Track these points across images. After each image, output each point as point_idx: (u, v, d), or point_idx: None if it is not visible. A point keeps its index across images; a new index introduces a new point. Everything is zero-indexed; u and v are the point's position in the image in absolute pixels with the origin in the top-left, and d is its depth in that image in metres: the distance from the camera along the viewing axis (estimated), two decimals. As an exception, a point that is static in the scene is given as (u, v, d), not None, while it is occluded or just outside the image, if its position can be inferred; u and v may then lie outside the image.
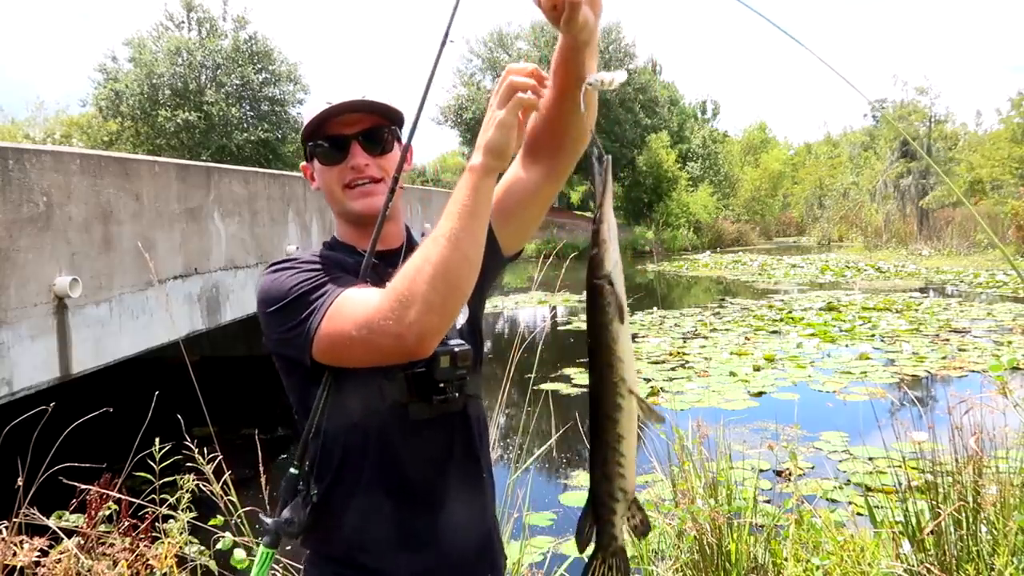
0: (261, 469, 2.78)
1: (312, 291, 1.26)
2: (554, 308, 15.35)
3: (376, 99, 1.41)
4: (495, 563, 1.49)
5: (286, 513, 1.30)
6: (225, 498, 2.60)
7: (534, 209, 1.47)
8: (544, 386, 8.18)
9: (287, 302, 1.27)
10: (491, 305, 15.61)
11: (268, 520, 1.30)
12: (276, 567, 2.76)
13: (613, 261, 1.04)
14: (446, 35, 1.35)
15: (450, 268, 1.13)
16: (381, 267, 1.36)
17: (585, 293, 1.05)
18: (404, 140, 1.42)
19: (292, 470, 1.32)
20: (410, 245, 1.47)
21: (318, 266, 1.32)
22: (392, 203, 1.38)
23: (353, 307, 1.21)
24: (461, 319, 1.43)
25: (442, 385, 1.32)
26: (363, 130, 1.40)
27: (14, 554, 2.21)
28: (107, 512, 2.46)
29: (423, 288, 1.13)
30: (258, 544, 1.34)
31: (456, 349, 1.33)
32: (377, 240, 1.34)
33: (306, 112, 1.45)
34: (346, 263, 1.37)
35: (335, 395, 1.29)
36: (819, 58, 1.33)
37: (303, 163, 1.51)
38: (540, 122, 1.37)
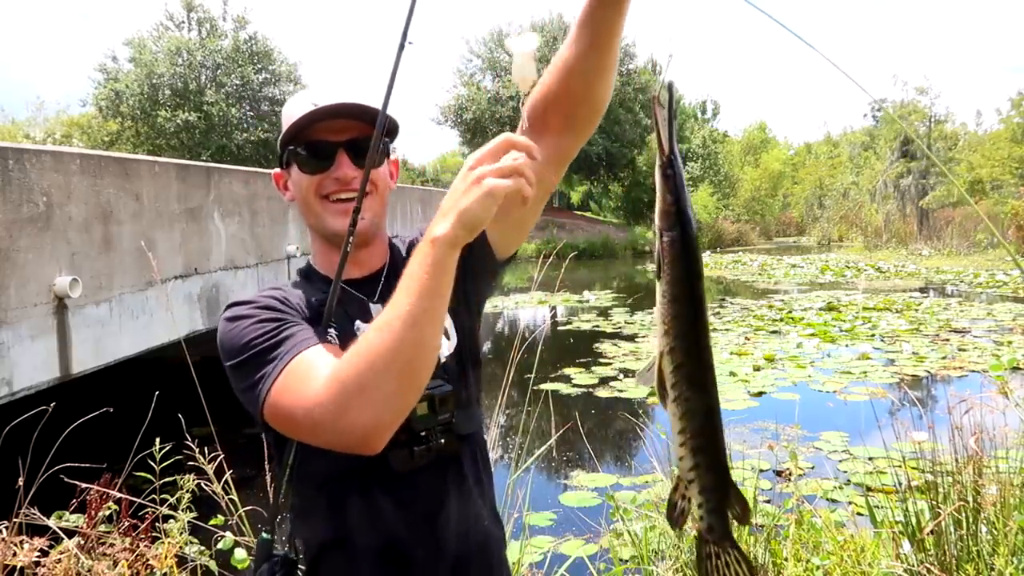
0: (266, 467, 2.78)
1: (266, 351, 1.10)
2: (554, 308, 15.36)
3: (368, 103, 1.22)
4: None
5: None
6: (226, 497, 2.60)
7: (533, 203, 1.17)
8: (544, 386, 8.19)
9: (240, 360, 1.12)
10: (491, 305, 15.62)
11: None
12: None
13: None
14: (404, 36, 1.21)
15: (407, 357, 0.96)
16: (354, 306, 1.23)
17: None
18: (370, 150, 1.19)
19: (264, 534, 1.20)
20: (394, 266, 1.30)
21: (278, 314, 1.16)
22: (375, 222, 1.25)
23: (299, 384, 1.05)
24: (445, 351, 1.25)
25: (423, 434, 1.17)
26: (352, 138, 1.22)
27: (14, 554, 2.21)
28: (107, 512, 2.46)
29: (372, 380, 0.97)
30: None
31: (435, 394, 1.18)
32: (340, 274, 1.17)
33: (286, 111, 1.27)
34: (312, 305, 1.21)
35: (304, 449, 1.16)
36: (827, 58, 1.33)
37: (276, 170, 1.32)
38: (552, 88, 1.16)
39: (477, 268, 1.25)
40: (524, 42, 1.02)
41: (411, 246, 1.32)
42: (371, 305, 1.26)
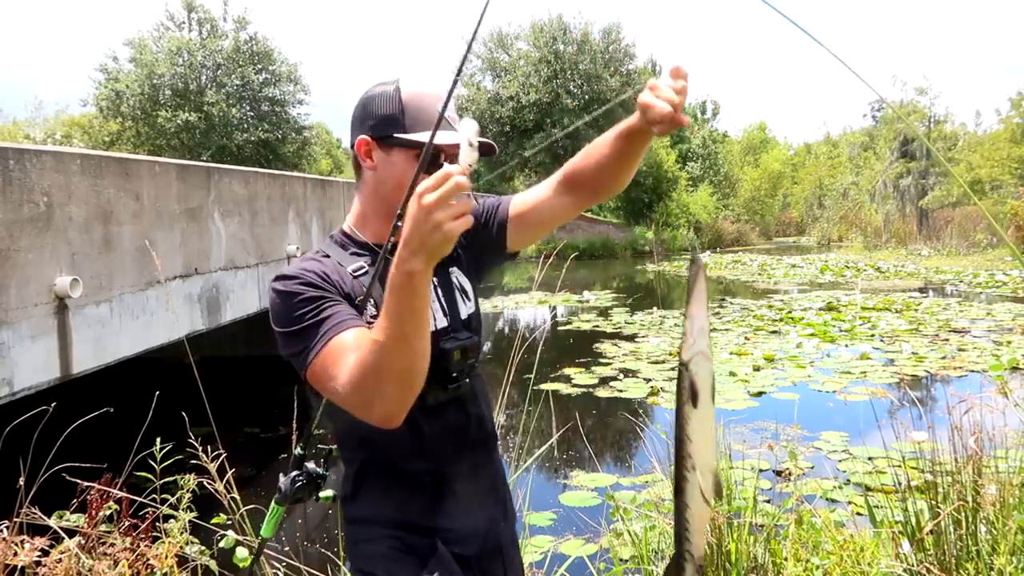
0: (276, 464, 2.78)
1: (310, 328, 1.30)
2: (554, 308, 15.36)
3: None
4: (508, 512, 1.66)
5: (280, 483, 1.48)
6: (228, 496, 2.60)
7: (550, 225, 1.61)
8: (544, 386, 8.19)
9: (289, 332, 1.32)
10: (491, 305, 15.62)
11: (281, 480, 1.48)
12: (278, 566, 2.76)
13: (693, 351, 1.10)
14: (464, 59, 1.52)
15: (404, 366, 1.18)
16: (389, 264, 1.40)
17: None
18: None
19: (297, 450, 1.51)
20: None
21: (320, 291, 1.34)
22: None
23: (333, 366, 1.26)
24: (467, 311, 1.54)
25: (455, 375, 1.45)
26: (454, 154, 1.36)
27: (15, 554, 2.21)
28: (108, 512, 2.47)
29: (380, 385, 1.19)
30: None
31: (467, 343, 1.47)
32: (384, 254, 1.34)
33: (413, 99, 1.40)
34: (352, 276, 1.40)
35: None
36: (837, 56, 1.33)
37: (364, 136, 1.42)
38: (589, 168, 1.52)
39: (489, 251, 1.60)
40: (466, 127, 1.19)
41: None
42: None
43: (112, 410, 2.89)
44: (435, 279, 1.48)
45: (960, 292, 16.13)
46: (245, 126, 31.70)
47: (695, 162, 41.92)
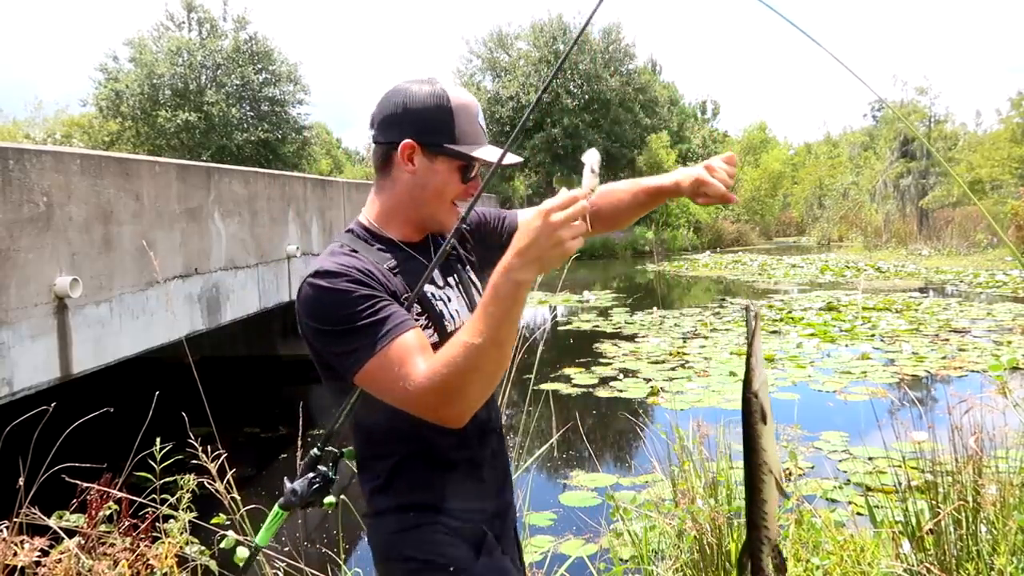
0: (276, 464, 2.78)
1: (366, 327, 1.29)
2: (554, 308, 15.36)
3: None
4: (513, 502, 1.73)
5: (295, 484, 1.41)
6: (228, 496, 2.60)
7: None
8: (544, 386, 8.19)
9: (339, 331, 1.30)
10: (491, 305, 15.53)
11: (287, 484, 1.42)
12: (278, 566, 2.76)
13: (760, 382, 1.39)
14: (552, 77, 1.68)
15: (493, 369, 1.23)
16: (417, 267, 1.44)
17: (741, 398, 1.40)
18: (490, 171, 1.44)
19: (315, 451, 1.44)
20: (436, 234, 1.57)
21: (370, 290, 1.32)
22: None
23: (398, 368, 1.26)
24: None
25: None
26: (484, 166, 1.46)
27: (15, 554, 2.21)
28: (108, 512, 2.46)
29: (468, 387, 1.23)
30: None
31: None
32: (429, 272, 1.40)
33: (460, 103, 1.43)
34: (389, 274, 1.41)
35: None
36: (836, 58, 1.34)
37: (408, 140, 1.41)
38: (602, 207, 1.69)
39: (498, 254, 1.61)
40: (590, 156, 1.26)
41: None
42: (435, 273, 1.49)
43: (112, 410, 2.89)
44: (455, 277, 1.56)
45: (960, 292, 16.13)
46: (245, 126, 31.68)
47: (695, 162, 41.66)
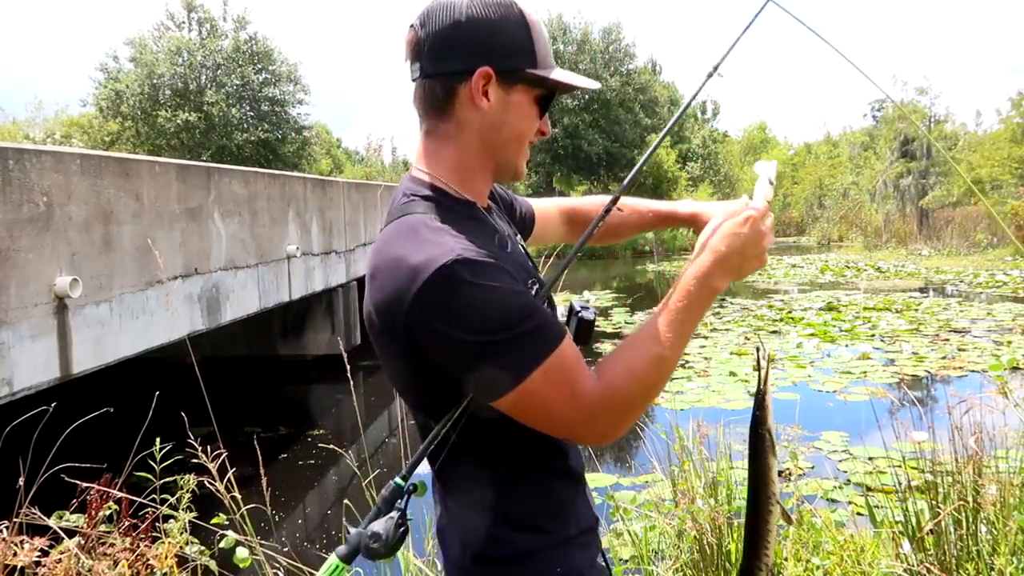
0: (276, 464, 2.79)
1: (528, 334, 1.01)
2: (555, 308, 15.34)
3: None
4: None
5: (376, 527, 1.06)
6: (229, 496, 2.60)
7: (539, 242, 1.62)
8: (544, 386, 8.16)
9: (495, 341, 0.99)
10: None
11: (352, 530, 1.08)
12: (278, 566, 2.76)
13: (771, 421, 1.38)
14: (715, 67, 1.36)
15: (666, 381, 1.09)
16: (494, 232, 1.18)
17: (749, 435, 1.38)
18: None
19: (397, 480, 1.10)
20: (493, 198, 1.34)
21: (517, 284, 1.04)
22: None
23: (569, 383, 1.03)
24: None
25: None
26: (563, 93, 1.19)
27: (15, 554, 2.21)
28: (107, 512, 2.46)
29: (645, 401, 1.06)
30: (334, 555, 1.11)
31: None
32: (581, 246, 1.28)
33: (533, 17, 1.12)
34: (506, 254, 1.15)
35: None
36: (846, 57, 1.33)
37: (486, 67, 1.08)
38: (614, 226, 1.48)
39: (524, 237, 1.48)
40: (766, 167, 1.21)
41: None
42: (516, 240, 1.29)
43: (112, 410, 2.89)
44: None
45: (960, 292, 16.12)
46: (245, 126, 31.69)
47: (695, 162, 41.90)
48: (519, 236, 1.34)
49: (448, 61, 1.08)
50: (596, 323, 1.26)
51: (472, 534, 1.14)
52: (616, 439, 1.07)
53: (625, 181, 1.27)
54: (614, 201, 1.25)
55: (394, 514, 1.07)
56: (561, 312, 1.27)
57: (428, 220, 1.06)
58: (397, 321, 1.02)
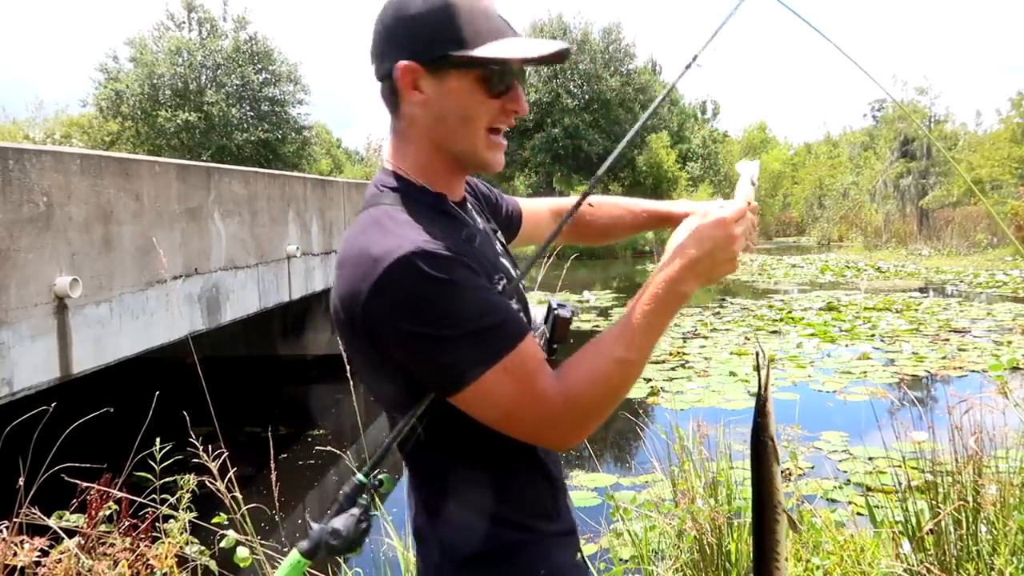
0: (276, 463, 2.78)
1: (486, 330, 0.99)
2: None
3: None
4: None
5: (336, 523, 1.05)
6: (229, 495, 2.60)
7: (528, 243, 1.56)
8: (544, 386, 8.16)
9: (448, 336, 0.98)
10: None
11: (314, 526, 1.07)
12: (278, 566, 2.76)
13: (773, 428, 1.36)
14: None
15: (631, 386, 1.06)
16: (464, 227, 1.16)
17: (751, 443, 1.35)
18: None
19: (359, 477, 1.08)
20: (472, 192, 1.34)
21: (478, 274, 1.03)
22: None
23: (528, 382, 1.01)
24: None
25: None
26: (519, 67, 1.10)
27: (15, 554, 2.21)
28: (107, 512, 2.46)
29: (607, 406, 1.04)
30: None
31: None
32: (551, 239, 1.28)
33: (467, 3, 1.06)
34: (467, 244, 1.12)
35: None
36: (849, 57, 1.33)
37: (405, 62, 1.06)
38: (600, 218, 1.53)
39: (505, 237, 1.41)
40: (748, 167, 1.21)
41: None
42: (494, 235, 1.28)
43: (112, 410, 2.89)
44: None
45: (960, 292, 16.13)
46: (245, 126, 31.70)
47: (695, 162, 41.91)
48: (499, 233, 1.32)
49: (384, 62, 1.10)
50: (573, 321, 1.26)
51: (449, 532, 1.13)
52: (578, 443, 1.06)
53: (592, 179, 1.24)
54: (583, 198, 1.26)
55: (356, 511, 1.06)
56: (541, 312, 1.26)
57: (393, 212, 1.06)
58: (356, 313, 1.01)
